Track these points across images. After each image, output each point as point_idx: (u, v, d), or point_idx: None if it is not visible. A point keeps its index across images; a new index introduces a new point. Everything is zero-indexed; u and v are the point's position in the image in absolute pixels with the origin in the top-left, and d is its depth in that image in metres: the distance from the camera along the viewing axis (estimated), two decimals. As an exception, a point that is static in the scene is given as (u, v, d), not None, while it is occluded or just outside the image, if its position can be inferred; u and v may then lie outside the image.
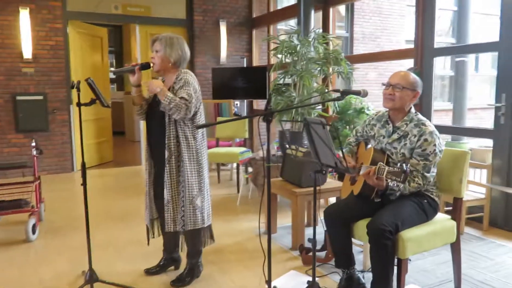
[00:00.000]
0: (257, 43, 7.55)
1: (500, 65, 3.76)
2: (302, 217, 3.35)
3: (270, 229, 2.09)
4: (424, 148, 2.34)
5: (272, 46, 7.24)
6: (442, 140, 2.39)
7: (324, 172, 2.20)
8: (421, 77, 4.51)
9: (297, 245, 3.33)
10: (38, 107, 6.08)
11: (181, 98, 2.50)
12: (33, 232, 3.59)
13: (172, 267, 3.01)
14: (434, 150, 2.33)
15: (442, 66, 11.18)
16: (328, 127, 1.99)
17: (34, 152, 3.85)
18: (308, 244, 3.39)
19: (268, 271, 2.18)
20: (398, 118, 2.50)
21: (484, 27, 11.08)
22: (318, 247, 3.30)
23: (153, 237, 2.89)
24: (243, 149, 5.29)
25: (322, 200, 4.29)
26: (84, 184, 2.59)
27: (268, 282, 2.16)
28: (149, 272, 2.94)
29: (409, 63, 10.62)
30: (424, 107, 4.39)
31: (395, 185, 2.06)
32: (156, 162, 2.74)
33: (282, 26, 8.19)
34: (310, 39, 4.62)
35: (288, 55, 4.58)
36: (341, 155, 2.15)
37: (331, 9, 5.72)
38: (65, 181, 5.97)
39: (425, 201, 2.42)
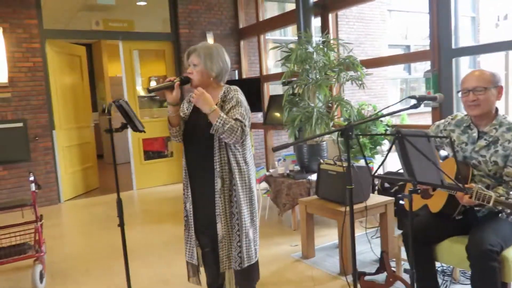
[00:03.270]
0: (245, 54, 7.25)
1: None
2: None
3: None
4: None
5: (274, 55, 7.02)
6: None
7: (419, 191, 1.90)
8: (439, 80, 4.38)
9: (347, 270, 3.02)
10: (18, 135, 5.51)
11: (236, 119, 2.16)
12: (41, 281, 3.10)
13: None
14: None
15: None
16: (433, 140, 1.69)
17: (33, 188, 3.35)
18: (361, 268, 3.09)
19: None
20: (484, 122, 2.21)
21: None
22: (373, 270, 3.01)
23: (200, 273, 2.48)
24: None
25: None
26: (121, 224, 2.19)
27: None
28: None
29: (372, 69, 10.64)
30: (446, 112, 4.21)
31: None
32: (197, 191, 2.38)
33: (268, 36, 7.92)
34: (322, 46, 4.36)
35: (299, 63, 4.29)
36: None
37: (330, 15, 5.51)
38: (53, 214, 5.39)
39: (518, 215, 2.17)
